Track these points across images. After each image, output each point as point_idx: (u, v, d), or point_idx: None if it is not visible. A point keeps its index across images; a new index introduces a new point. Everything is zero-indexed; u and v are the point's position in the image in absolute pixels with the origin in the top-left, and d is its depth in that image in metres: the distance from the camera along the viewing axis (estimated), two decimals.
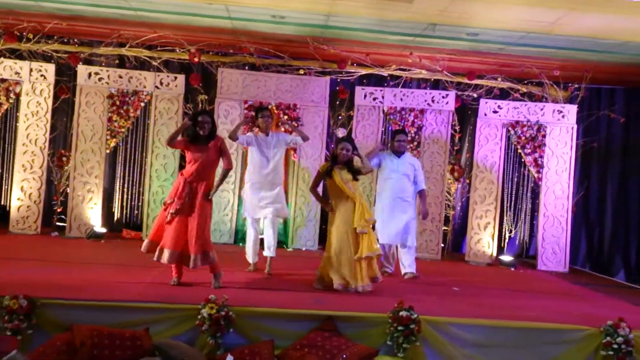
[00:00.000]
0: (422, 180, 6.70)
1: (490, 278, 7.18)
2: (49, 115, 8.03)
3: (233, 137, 6.18)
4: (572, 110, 8.39)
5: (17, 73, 7.97)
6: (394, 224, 6.48)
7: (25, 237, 7.73)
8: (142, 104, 8.15)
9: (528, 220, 8.90)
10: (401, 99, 8.33)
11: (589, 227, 9.26)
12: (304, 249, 8.17)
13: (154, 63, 8.30)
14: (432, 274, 6.85)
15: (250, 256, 6.27)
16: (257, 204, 6.18)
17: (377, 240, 5.92)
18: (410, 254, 6.60)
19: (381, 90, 8.38)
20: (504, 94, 8.79)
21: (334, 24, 7.23)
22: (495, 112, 8.40)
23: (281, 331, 4.42)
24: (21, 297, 4.14)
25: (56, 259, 6.24)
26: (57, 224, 8.21)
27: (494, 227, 8.31)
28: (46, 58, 8.22)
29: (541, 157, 8.33)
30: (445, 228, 8.55)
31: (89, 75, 8.03)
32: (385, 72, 8.59)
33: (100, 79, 8.05)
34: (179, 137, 5.33)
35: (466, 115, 9.04)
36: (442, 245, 8.42)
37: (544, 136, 8.33)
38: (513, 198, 8.76)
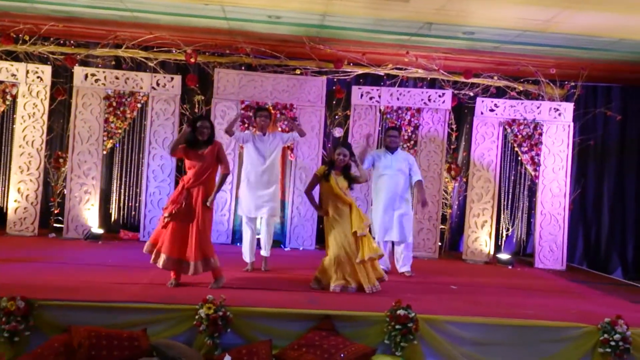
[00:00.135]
0: (417, 171, 6.69)
1: (487, 276, 7.18)
2: (45, 117, 8.02)
3: (229, 131, 6.20)
4: (568, 108, 8.41)
5: (13, 75, 7.96)
6: (390, 221, 6.50)
7: (23, 238, 7.72)
8: (139, 105, 8.15)
9: (525, 219, 8.93)
10: (398, 98, 8.34)
11: (586, 225, 9.28)
12: (301, 248, 8.18)
13: (151, 64, 8.30)
14: (430, 273, 6.87)
15: (247, 256, 6.28)
16: (253, 203, 6.20)
17: (374, 238, 5.94)
18: (406, 251, 6.61)
19: (378, 90, 8.39)
20: (500, 93, 8.81)
21: (330, 24, 7.24)
22: (491, 110, 8.41)
23: (279, 331, 4.42)
24: (19, 299, 4.14)
25: (53, 261, 6.23)
26: (55, 225, 8.21)
27: (491, 226, 8.32)
28: (42, 60, 8.21)
29: (538, 155, 8.35)
30: (443, 226, 8.56)
31: (86, 76, 8.03)
32: (381, 72, 8.60)
33: (96, 81, 8.04)
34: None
35: (463, 113, 9.06)
36: (440, 243, 8.43)
37: (540, 134, 8.34)
38: (510, 196, 8.77)
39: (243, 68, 8.44)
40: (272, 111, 7.96)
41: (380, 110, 8.36)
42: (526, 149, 8.36)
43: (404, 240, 6.56)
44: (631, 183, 9.23)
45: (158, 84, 8.13)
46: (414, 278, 6.49)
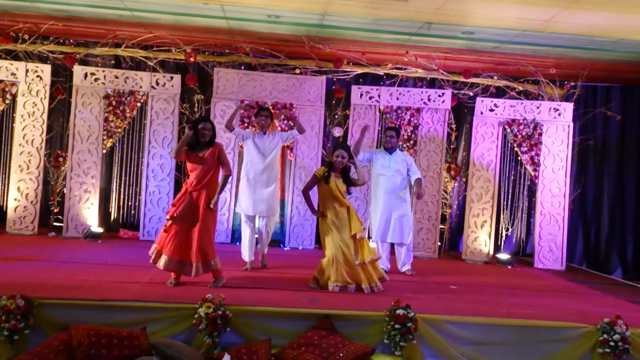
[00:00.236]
0: (416, 170, 6.68)
1: (487, 276, 7.18)
2: (45, 116, 8.02)
3: (229, 126, 6.22)
4: (568, 108, 8.41)
5: (13, 74, 7.97)
6: (388, 223, 6.51)
7: (22, 237, 7.72)
8: (139, 104, 8.15)
9: (525, 218, 8.94)
10: (397, 98, 8.34)
11: (585, 225, 9.29)
12: (300, 247, 8.18)
13: (150, 63, 8.30)
14: (429, 273, 6.87)
15: (246, 255, 6.29)
16: (252, 201, 6.21)
17: (370, 238, 5.97)
18: (407, 250, 6.62)
19: (377, 89, 8.39)
20: (500, 92, 8.81)
21: (329, 23, 7.24)
22: (491, 110, 8.41)
23: (278, 330, 4.43)
24: (18, 297, 4.14)
25: (53, 259, 6.23)
26: (54, 224, 8.22)
27: (490, 225, 8.32)
28: (42, 59, 8.22)
29: (537, 155, 8.35)
30: (442, 226, 8.56)
31: (85, 75, 8.03)
32: (381, 71, 8.60)
33: (96, 80, 8.04)
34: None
35: (462, 113, 9.06)
36: (439, 243, 8.42)
37: (540, 134, 8.34)
38: (510, 196, 8.77)
39: (243, 67, 8.44)
40: (273, 111, 7.97)
41: (379, 109, 8.36)
42: (526, 149, 8.36)
43: (403, 242, 6.57)
44: (631, 183, 9.24)
45: (158, 83, 8.13)
46: (413, 277, 6.50)
